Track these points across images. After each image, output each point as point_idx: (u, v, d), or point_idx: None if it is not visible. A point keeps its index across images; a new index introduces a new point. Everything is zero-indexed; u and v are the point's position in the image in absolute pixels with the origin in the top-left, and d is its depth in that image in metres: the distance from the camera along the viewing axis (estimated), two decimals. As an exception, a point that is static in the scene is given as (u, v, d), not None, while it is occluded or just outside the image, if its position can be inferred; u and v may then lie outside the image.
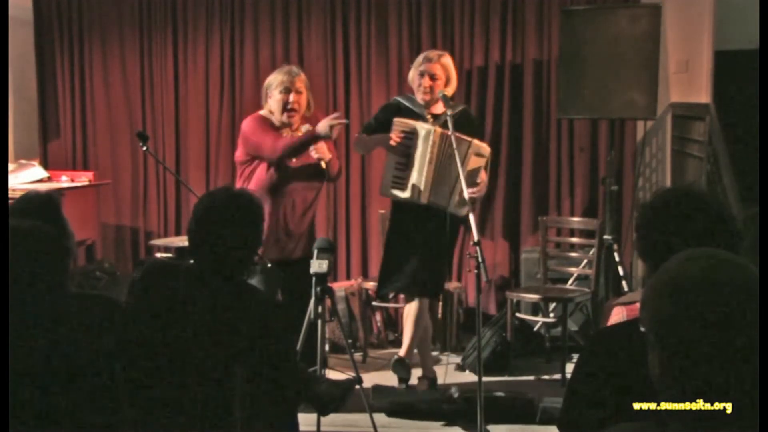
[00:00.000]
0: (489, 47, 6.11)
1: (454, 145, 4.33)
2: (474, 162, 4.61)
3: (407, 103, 4.80)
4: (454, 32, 6.13)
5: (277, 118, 4.55)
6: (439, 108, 4.72)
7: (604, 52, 5.43)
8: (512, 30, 6.07)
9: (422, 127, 4.60)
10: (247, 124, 4.61)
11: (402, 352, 4.78)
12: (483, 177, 4.69)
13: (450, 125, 4.44)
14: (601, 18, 5.51)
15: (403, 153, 4.61)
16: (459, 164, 4.28)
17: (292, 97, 4.50)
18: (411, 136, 4.61)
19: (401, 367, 4.75)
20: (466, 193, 4.22)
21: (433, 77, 4.67)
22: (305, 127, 4.56)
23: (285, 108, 4.51)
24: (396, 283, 4.79)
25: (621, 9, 5.60)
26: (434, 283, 4.81)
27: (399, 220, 4.79)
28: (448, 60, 4.76)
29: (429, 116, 4.71)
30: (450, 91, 4.74)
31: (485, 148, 4.70)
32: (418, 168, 4.59)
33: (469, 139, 4.58)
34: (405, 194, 4.64)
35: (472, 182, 4.56)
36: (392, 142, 4.59)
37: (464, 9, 6.10)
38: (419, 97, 4.74)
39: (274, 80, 4.55)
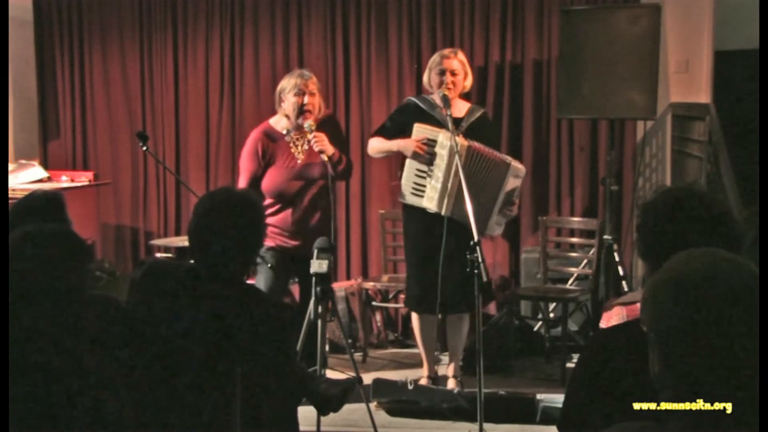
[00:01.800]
0: (489, 47, 6.11)
1: (487, 166, 4.38)
2: (512, 183, 4.60)
3: (425, 106, 4.74)
4: (454, 32, 6.12)
5: (292, 120, 4.66)
6: (456, 111, 4.68)
7: (604, 52, 5.42)
8: (512, 30, 6.07)
9: (447, 138, 4.50)
10: (246, 144, 4.78)
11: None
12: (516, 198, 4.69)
13: (450, 126, 4.44)
14: (601, 18, 5.50)
15: (426, 161, 4.59)
16: (490, 185, 4.40)
17: (306, 99, 4.60)
18: (434, 144, 4.58)
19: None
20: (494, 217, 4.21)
21: (454, 73, 4.65)
22: (308, 124, 4.59)
23: (300, 110, 4.61)
24: (433, 302, 4.67)
25: (621, 9, 5.60)
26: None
27: (415, 227, 4.74)
28: (463, 55, 4.76)
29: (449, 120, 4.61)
30: (468, 85, 4.75)
31: (522, 169, 4.68)
32: (442, 179, 4.53)
33: (507, 160, 4.58)
34: (425, 203, 4.61)
35: (508, 202, 4.59)
36: (417, 150, 4.56)
37: (464, 9, 6.10)
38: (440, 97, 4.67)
39: (288, 84, 4.65)
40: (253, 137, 4.73)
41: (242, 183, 4.70)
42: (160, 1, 6.50)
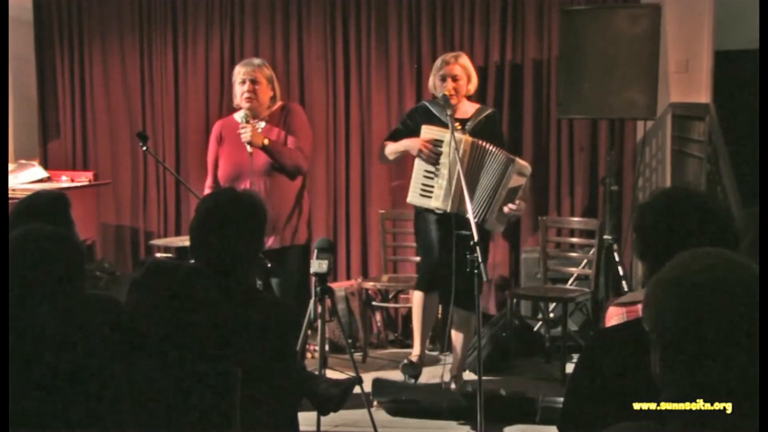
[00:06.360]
0: (489, 47, 6.11)
1: (489, 159, 4.26)
2: (515, 181, 4.57)
3: (433, 109, 4.76)
4: (454, 32, 6.13)
5: (236, 105, 4.72)
6: (463, 112, 4.70)
7: (604, 52, 5.42)
8: (512, 30, 6.07)
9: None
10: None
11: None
12: (521, 198, 4.63)
13: (450, 125, 4.43)
14: (601, 18, 5.51)
15: (432, 161, 4.59)
16: (490, 178, 4.25)
17: (246, 87, 4.62)
18: (440, 144, 4.58)
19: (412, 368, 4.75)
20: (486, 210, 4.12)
21: (455, 79, 4.66)
22: (242, 115, 4.61)
23: (241, 97, 4.64)
24: (441, 286, 4.66)
25: (621, 9, 5.60)
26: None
27: (426, 223, 4.72)
28: (465, 60, 4.77)
29: (458, 123, 4.62)
30: (472, 88, 4.75)
31: (527, 167, 4.65)
32: (447, 177, 4.54)
33: (512, 156, 4.57)
34: (433, 203, 4.61)
35: (510, 200, 4.57)
36: (422, 148, 4.56)
37: (464, 9, 6.10)
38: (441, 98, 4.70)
39: (235, 72, 4.72)
40: (215, 127, 4.85)
41: (209, 173, 4.75)
42: (160, 1, 6.50)
